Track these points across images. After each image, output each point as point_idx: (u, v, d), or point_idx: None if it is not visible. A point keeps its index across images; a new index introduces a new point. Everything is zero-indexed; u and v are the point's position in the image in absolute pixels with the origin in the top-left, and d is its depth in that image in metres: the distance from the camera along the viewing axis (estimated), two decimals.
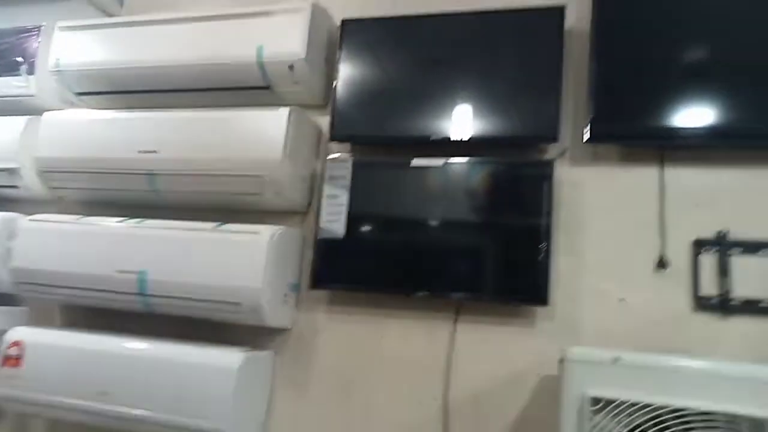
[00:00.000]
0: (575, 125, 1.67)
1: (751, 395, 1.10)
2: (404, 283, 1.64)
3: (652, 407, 1.14)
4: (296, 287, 1.82)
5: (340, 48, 1.84)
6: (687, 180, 1.56)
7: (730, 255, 1.48)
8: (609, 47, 1.57)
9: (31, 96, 2.08)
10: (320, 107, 1.93)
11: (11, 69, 2.10)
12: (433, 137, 1.68)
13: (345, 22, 1.86)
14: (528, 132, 1.62)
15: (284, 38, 1.75)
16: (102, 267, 1.75)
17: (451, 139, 1.67)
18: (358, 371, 1.73)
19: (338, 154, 1.83)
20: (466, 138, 1.66)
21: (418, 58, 1.76)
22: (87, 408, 1.66)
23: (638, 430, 1.13)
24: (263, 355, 1.77)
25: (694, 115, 1.47)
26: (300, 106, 1.85)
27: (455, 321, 1.67)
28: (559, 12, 1.64)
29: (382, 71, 1.79)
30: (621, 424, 1.15)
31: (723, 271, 1.47)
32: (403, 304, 1.72)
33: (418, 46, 1.77)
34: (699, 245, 1.51)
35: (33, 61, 2.07)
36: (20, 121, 2.04)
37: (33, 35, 2.10)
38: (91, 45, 1.98)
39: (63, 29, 2.04)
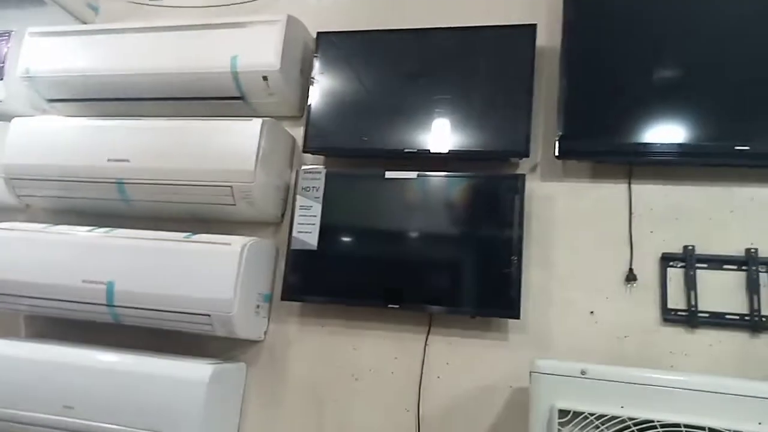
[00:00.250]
0: (546, 141, 1.69)
1: (718, 408, 1.12)
2: (377, 295, 1.64)
3: (620, 419, 1.15)
4: (268, 298, 1.80)
5: (316, 60, 1.84)
6: (654, 196, 1.59)
7: (696, 269, 1.51)
8: (578, 65, 1.60)
9: (0, 102, 2.04)
10: (295, 118, 1.93)
11: None
12: (407, 150, 1.69)
13: (320, 35, 1.86)
14: (499, 147, 1.64)
15: (259, 49, 1.75)
16: (68, 277, 1.71)
17: (424, 152, 1.68)
18: (331, 383, 1.71)
19: (311, 165, 1.83)
20: (439, 151, 1.67)
21: (392, 72, 1.78)
22: (51, 422, 1.61)
23: None
24: (235, 367, 1.74)
25: (662, 132, 1.50)
26: (275, 117, 1.85)
27: (428, 333, 1.67)
28: (530, 30, 1.67)
29: (357, 84, 1.80)
30: None
31: (690, 285, 1.50)
32: (375, 316, 1.71)
33: (393, 60, 1.79)
34: (666, 260, 1.54)
35: (2, 67, 2.03)
36: None
37: (3, 40, 2.06)
38: (64, 52, 1.96)
39: (34, 35, 2.01)
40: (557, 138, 1.57)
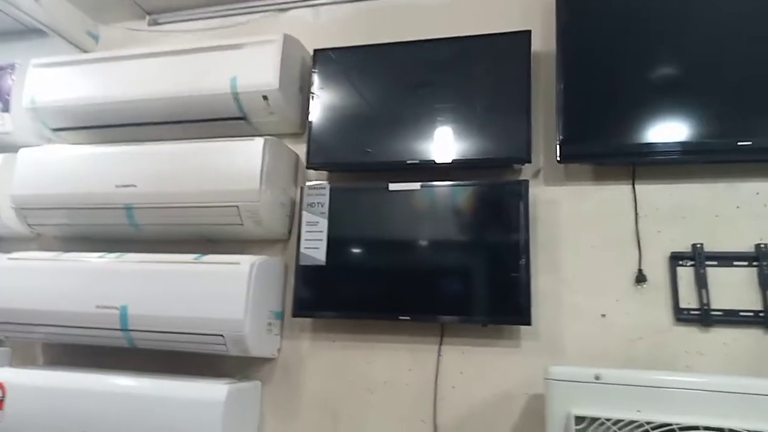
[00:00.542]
0: (548, 145, 1.70)
1: (738, 408, 1.11)
2: (387, 308, 1.64)
3: (637, 423, 1.15)
4: (280, 315, 1.81)
5: (314, 77, 1.86)
6: (659, 195, 1.59)
7: (706, 267, 1.50)
8: (574, 68, 1.60)
9: (7, 133, 2.08)
10: (297, 135, 1.95)
11: None
12: (410, 161, 1.70)
13: (317, 52, 1.88)
14: (501, 153, 1.64)
15: (257, 70, 1.77)
16: (82, 303, 1.73)
17: (427, 162, 1.69)
18: (346, 397, 1.72)
19: (315, 181, 1.84)
20: (441, 161, 1.68)
21: (391, 84, 1.79)
22: None
23: None
24: (250, 386, 1.75)
25: (663, 131, 1.50)
26: (277, 135, 1.87)
27: (440, 343, 1.67)
28: (525, 36, 1.68)
29: (357, 98, 1.81)
30: None
31: (701, 283, 1.49)
32: (387, 329, 1.72)
33: (392, 73, 1.80)
34: (675, 259, 1.53)
35: (8, 99, 2.07)
36: None
37: (7, 73, 2.09)
38: (67, 81, 1.99)
39: (38, 66, 2.04)
40: (558, 142, 1.57)
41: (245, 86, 1.77)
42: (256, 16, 2.12)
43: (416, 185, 1.67)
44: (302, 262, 1.73)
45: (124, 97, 1.90)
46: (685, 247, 1.53)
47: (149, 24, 2.24)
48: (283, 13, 2.10)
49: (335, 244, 1.71)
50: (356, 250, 1.72)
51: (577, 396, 1.22)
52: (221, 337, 1.62)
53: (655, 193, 1.59)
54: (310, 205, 1.76)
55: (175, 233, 1.88)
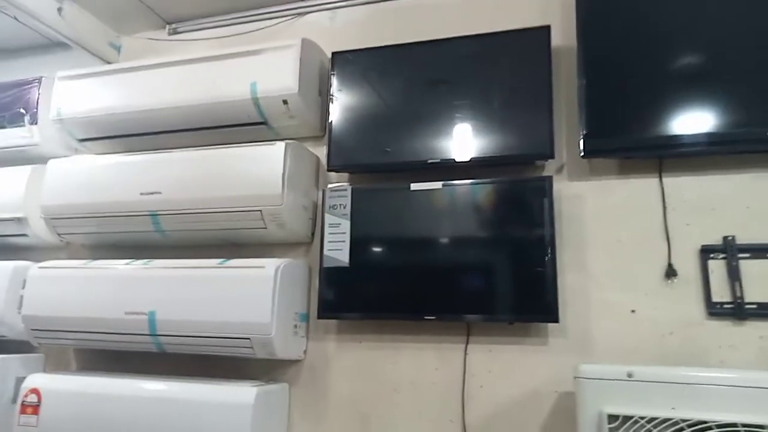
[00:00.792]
0: (570, 140, 1.68)
1: None
2: (412, 307, 1.64)
3: (672, 421, 1.13)
4: (305, 317, 1.82)
5: (333, 79, 1.87)
6: (687, 188, 1.56)
7: (738, 260, 1.46)
8: (596, 62, 1.58)
9: (35, 145, 2.13)
10: (317, 138, 1.96)
11: (15, 120, 2.15)
12: (431, 161, 1.69)
13: (336, 54, 1.89)
14: (524, 150, 1.63)
15: (277, 74, 1.79)
16: (111, 310, 1.77)
17: (448, 161, 1.68)
18: (373, 398, 1.72)
19: (337, 183, 1.85)
20: (463, 159, 1.67)
21: (410, 83, 1.78)
22: None
23: None
24: (278, 388, 1.76)
25: (689, 123, 1.47)
26: (297, 138, 1.88)
27: (467, 342, 1.66)
28: (545, 31, 1.66)
29: (376, 99, 1.81)
30: None
31: (733, 276, 1.46)
32: (413, 329, 1.72)
33: (410, 72, 1.79)
34: (706, 252, 1.50)
35: (35, 112, 2.12)
36: (25, 170, 2.09)
37: (34, 86, 2.15)
38: (91, 92, 2.03)
39: (63, 79, 2.09)
40: (581, 137, 1.55)
41: (265, 91, 1.79)
42: (274, 21, 2.13)
43: (438, 184, 1.67)
44: (326, 264, 1.73)
45: (147, 106, 1.93)
46: (715, 239, 1.50)
47: (169, 33, 2.28)
48: (300, 18, 2.12)
49: (358, 245, 1.71)
50: (379, 251, 1.72)
51: (608, 394, 1.20)
52: (248, 340, 1.64)
53: (682, 186, 1.56)
54: (332, 207, 1.76)
55: (199, 238, 1.90)
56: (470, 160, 1.66)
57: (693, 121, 1.47)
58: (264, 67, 1.81)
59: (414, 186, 1.69)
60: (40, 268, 1.92)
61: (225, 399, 1.61)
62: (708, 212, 1.53)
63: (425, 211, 1.67)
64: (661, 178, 1.58)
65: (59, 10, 2.07)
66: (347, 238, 1.73)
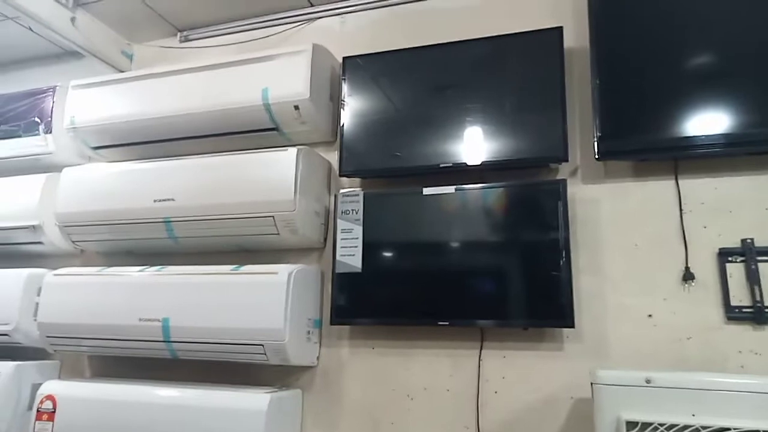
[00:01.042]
0: (584, 143, 1.66)
1: None
2: (425, 313, 1.63)
3: (693, 428, 1.11)
4: (318, 323, 1.82)
5: (344, 84, 1.87)
6: (704, 189, 1.54)
7: (758, 262, 1.44)
8: (610, 63, 1.56)
9: (50, 153, 2.16)
10: (329, 143, 1.96)
11: (30, 129, 2.17)
12: (443, 165, 1.69)
13: (346, 59, 1.89)
14: (537, 153, 1.62)
15: (288, 80, 1.79)
16: (125, 317, 1.78)
17: (461, 165, 1.67)
18: (387, 404, 1.71)
19: (349, 188, 1.85)
20: (475, 163, 1.66)
21: (421, 88, 1.78)
22: None
23: None
24: (291, 394, 1.76)
25: (705, 123, 1.45)
26: (309, 144, 1.89)
27: (481, 348, 1.65)
28: (557, 33, 1.65)
29: (387, 103, 1.81)
30: None
31: (753, 279, 1.44)
32: (426, 335, 1.71)
33: (421, 76, 1.79)
34: (724, 255, 1.48)
35: (50, 120, 2.15)
36: (40, 178, 2.11)
37: (48, 95, 2.18)
38: (104, 101, 2.05)
39: (76, 87, 2.11)
40: (596, 139, 1.53)
41: (277, 97, 1.79)
42: (284, 27, 2.14)
43: (451, 189, 1.66)
44: (338, 270, 1.73)
45: (160, 114, 1.94)
46: (734, 242, 1.48)
47: (180, 41, 2.30)
48: (310, 24, 2.12)
49: (371, 250, 1.71)
50: (392, 256, 1.72)
51: (626, 400, 1.18)
52: (261, 347, 1.64)
53: (699, 188, 1.54)
54: (345, 212, 1.76)
55: (212, 245, 1.91)
56: (483, 164, 1.65)
57: (709, 121, 1.45)
58: (275, 73, 1.81)
59: (426, 190, 1.68)
60: (55, 275, 1.94)
61: (238, 405, 1.61)
62: (725, 214, 1.50)
63: (438, 215, 1.67)
64: (677, 180, 1.56)
65: (72, 19, 2.09)
66: (360, 243, 1.72)
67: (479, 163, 1.66)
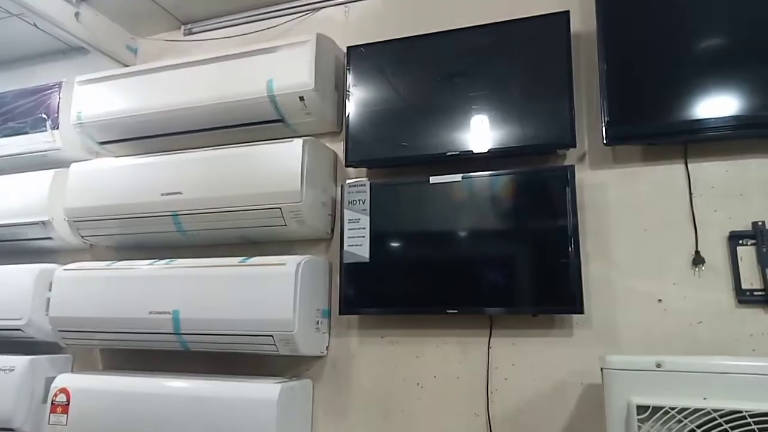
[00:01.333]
0: (592, 128, 1.65)
1: None
2: (434, 301, 1.63)
3: (704, 411, 1.10)
4: (327, 314, 1.82)
5: (348, 74, 1.86)
6: (714, 173, 1.52)
7: None
8: (617, 46, 1.54)
9: (57, 149, 2.17)
10: (335, 134, 1.96)
11: (37, 126, 2.18)
12: (449, 153, 1.68)
13: (351, 49, 1.88)
14: (544, 139, 1.61)
15: (292, 71, 1.79)
16: (136, 310, 1.79)
17: (467, 153, 1.67)
18: (397, 392, 1.72)
19: (355, 178, 1.85)
20: (482, 151, 1.65)
21: (426, 76, 1.77)
22: None
23: None
24: (301, 384, 1.77)
25: (714, 106, 1.43)
26: (315, 135, 1.89)
27: (490, 335, 1.65)
28: (564, 17, 1.63)
29: (392, 93, 1.80)
30: None
31: (765, 262, 1.42)
32: (435, 323, 1.71)
33: (426, 64, 1.78)
34: (735, 238, 1.47)
35: (56, 116, 2.15)
36: (48, 174, 2.12)
37: (54, 91, 2.18)
38: (110, 95, 2.05)
39: (82, 83, 2.12)
40: (604, 124, 1.52)
41: (281, 88, 1.79)
42: (288, 18, 2.13)
43: (457, 177, 1.65)
44: (346, 260, 1.73)
45: (165, 107, 1.94)
46: (744, 225, 1.47)
47: (185, 34, 2.30)
48: (313, 14, 2.11)
49: (378, 240, 1.71)
50: (400, 245, 1.72)
51: (637, 385, 1.18)
52: (271, 337, 1.65)
53: (709, 171, 1.52)
54: (351, 202, 1.76)
55: (220, 237, 1.91)
56: (490, 152, 1.64)
57: (718, 104, 1.43)
58: (280, 64, 1.81)
59: (433, 179, 1.68)
60: (66, 270, 1.96)
61: (250, 395, 1.63)
62: (736, 197, 1.49)
63: (445, 204, 1.66)
64: (686, 163, 1.54)
65: (77, 15, 2.09)
66: (367, 233, 1.72)
67: (486, 150, 1.65)
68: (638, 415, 1.14)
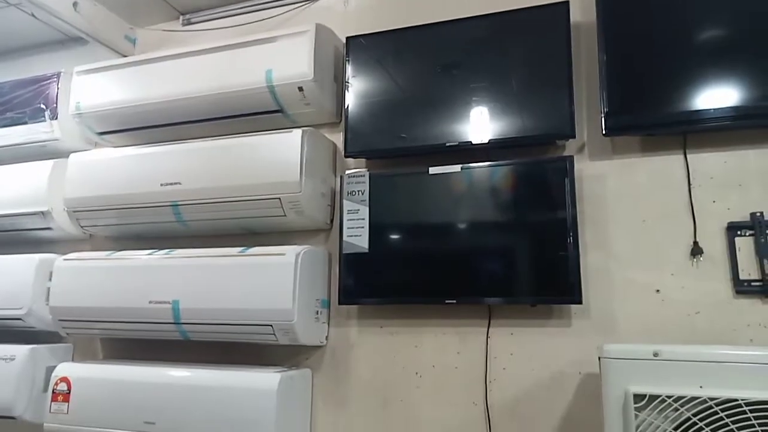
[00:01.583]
0: (591, 119, 1.65)
1: None
2: (433, 291, 1.64)
3: (700, 400, 1.11)
4: (326, 304, 1.83)
5: (348, 65, 1.85)
6: (712, 163, 1.52)
7: (767, 236, 1.43)
8: (617, 37, 1.54)
9: (56, 140, 2.16)
10: (334, 124, 1.96)
11: (36, 116, 2.18)
12: (449, 144, 1.68)
13: (350, 39, 1.87)
14: (543, 130, 1.60)
15: (291, 61, 1.78)
16: (136, 299, 1.80)
17: (467, 144, 1.66)
18: (396, 382, 1.73)
19: (354, 169, 1.85)
20: (481, 142, 1.65)
21: (426, 67, 1.76)
22: None
23: (687, 424, 1.10)
24: (301, 373, 1.78)
25: (713, 97, 1.43)
26: (314, 125, 1.88)
27: (488, 325, 1.66)
28: (563, 8, 1.62)
29: (392, 83, 1.80)
30: (668, 420, 1.12)
31: (763, 252, 1.43)
32: (434, 313, 1.72)
33: (425, 55, 1.77)
34: (733, 229, 1.47)
35: (55, 107, 2.15)
36: (48, 164, 2.12)
37: (53, 82, 2.17)
38: (109, 85, 2.05)
39: (80, 73, 2.11)
40: (603, 115, 1.52)
41: (280, 78, 1.79)
42: (287, 8, 2.13)
43: (456, 168, 1.65)
44: (345, 251, 1.74)
45: (164, 98, 1.94)
46: (742, 216, 1.47)
47: (183, 24, 2.29)
48: (312, 4, 2.10)
49: (377, 230, 1.71)
50: (399, 236, 1.72)
51: (634, 374, 1.18)
52: (270, 327, 1.65)
53: (708, 162, 1.53)
54: (351, 193, 1.76)
55: (220, 227, 1.92)
56: (489, 142, 1.64)
57: (718, 95, 1.43)
58: (278, 54, 1.80)
59: (432, 170, 1.68)
60: (65, 260, 1.96)
61: (249, 385, 1.63)
62: (734, 188, 1.49)
63: (444, 194, 1.67)
64: (685, 154, 1.54)
65: (75, 5, 2.08)
66: (366, 223, 1.73)
67: (485, 141, 1.65)
68: (635, 403, 1.15)
